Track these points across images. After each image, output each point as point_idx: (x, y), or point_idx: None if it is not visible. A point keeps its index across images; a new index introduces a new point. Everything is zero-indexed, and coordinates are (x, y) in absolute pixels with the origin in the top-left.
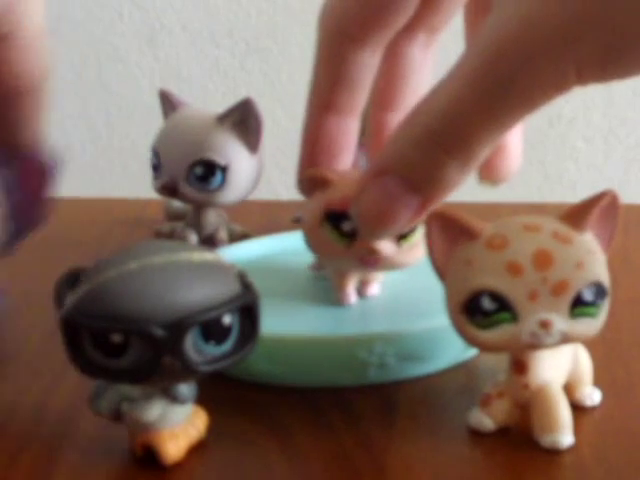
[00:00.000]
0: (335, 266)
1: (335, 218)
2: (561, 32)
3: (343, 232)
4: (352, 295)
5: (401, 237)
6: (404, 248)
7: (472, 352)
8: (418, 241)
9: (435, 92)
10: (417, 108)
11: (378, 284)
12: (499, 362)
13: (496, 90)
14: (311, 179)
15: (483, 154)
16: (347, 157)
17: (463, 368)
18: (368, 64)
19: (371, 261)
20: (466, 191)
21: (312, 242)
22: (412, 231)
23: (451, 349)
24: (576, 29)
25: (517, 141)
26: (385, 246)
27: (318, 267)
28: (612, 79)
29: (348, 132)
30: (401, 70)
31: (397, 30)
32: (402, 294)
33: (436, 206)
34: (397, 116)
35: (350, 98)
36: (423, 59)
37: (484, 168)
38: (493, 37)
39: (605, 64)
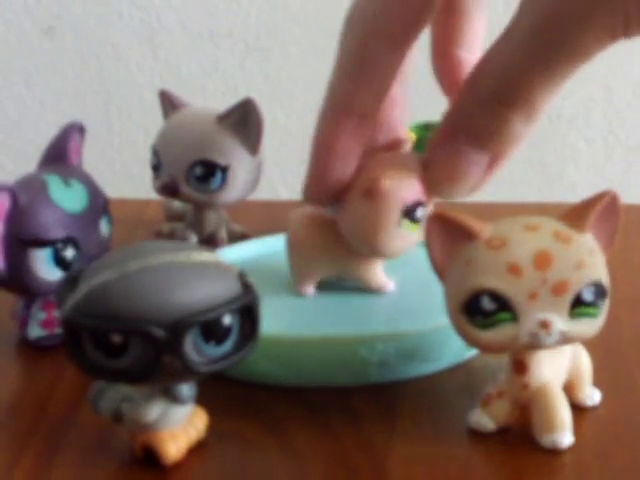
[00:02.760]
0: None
1: (412, 211)
2: None
3: (415, 220)
4: (388, 281)
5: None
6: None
7: (472, 352)
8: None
9: (492, 54)
10: (477, 70)
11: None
12: (499, 362)
13: (552, 44)
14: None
15: (545, 105)
16: (357, 162)
17: (463, 368)
18: (395, 66)
19: None
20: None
21: (388, 247)
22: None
23: (451, 349)
24: None
25: None
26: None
27: (311, 286)
28: None
29: (365, 138)
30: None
31: (423, 29)
32: (403, 294)
33: (504, 162)
34: (464, 53)
35: (374, 101)
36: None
37: None
38: None
39: None
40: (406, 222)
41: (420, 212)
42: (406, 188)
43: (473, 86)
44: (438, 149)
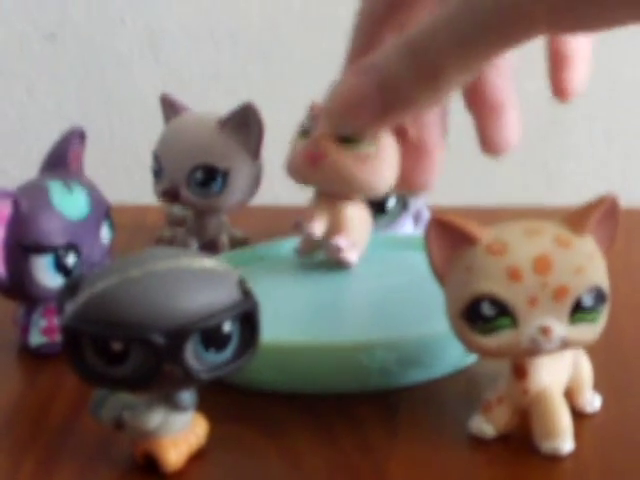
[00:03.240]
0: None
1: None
2: None
3: (304, 130)
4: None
5: (346, 140)
6: (349, 154)
7: (472, 358)
8: (368, 156)
9: (427, 17)
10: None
11: (357, 250)
12: (499, 368)
13: (469, 21)
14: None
15: (451, 79)
16: None
17: (463, 374)
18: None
19: (315, 155)
20: (467, 194)
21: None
22: (360, 139)
23: (451, 355)
24: None
25: (514, 113)
26: (326, 142)
27: (304, 250)
28: (582, 29)
29: None
30: None
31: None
32: (402, 299)
33: (395, 121)
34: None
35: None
36: None
37: (484, 139)
38: None
39: (575, 10)
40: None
41: (306, 121)
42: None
43: (398, 38)
44: (344, 77)
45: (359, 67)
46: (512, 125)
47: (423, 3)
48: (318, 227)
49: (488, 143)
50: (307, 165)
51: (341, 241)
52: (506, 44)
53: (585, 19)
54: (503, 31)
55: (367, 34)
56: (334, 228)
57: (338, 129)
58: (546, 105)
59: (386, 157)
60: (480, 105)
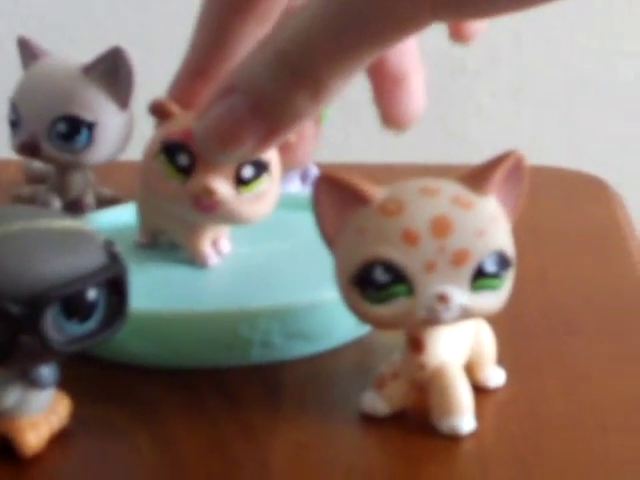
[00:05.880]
0: (168, 209)
1: (171, 150)
2: None
3: (178, 166)
4: (212, 254)
5: (241, 183)
6: (244, 197)
7: (364, 329)
8: (263, 194)
9: (292, 17)
10: (272, 30)
11: (227, 240)
12: (394, 340)
13: (347, 21)
14: (154, 109)
15: (335, 86)
16: None
17: (355, 346)
18: (250, 35)
19: (206, 205)
20: (359, 151)
21: (147, 179)
22: (254, 179)
23: (342, 326)
24: None
25: (418, 81)
26: (221, 187)
27: (146, 239)
28: (468, 17)
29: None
30: None
31: (284, 3)
32: (287, 265)
33: (282, 138)
34: None
35: (225, 67)
36: None
37: (385, 112)
38: None
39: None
40: (162, 158)
41: (181, 158)
42: (176, 125)
43: (263, 45)
44: (213, 102)
45: (223, 90)
46: (416, 94)
47: None
48: (214, 256)
49: (391, 117)
50: (195, 210)
51: (226, 247)
52: (390, 38)
53: (470, 10)
54: (386, 24)
55: (217, 26)
56: (215, 239)
57: (221, 161)
58: (445, 51)
59: (277, 181)
60: (382, 77)
